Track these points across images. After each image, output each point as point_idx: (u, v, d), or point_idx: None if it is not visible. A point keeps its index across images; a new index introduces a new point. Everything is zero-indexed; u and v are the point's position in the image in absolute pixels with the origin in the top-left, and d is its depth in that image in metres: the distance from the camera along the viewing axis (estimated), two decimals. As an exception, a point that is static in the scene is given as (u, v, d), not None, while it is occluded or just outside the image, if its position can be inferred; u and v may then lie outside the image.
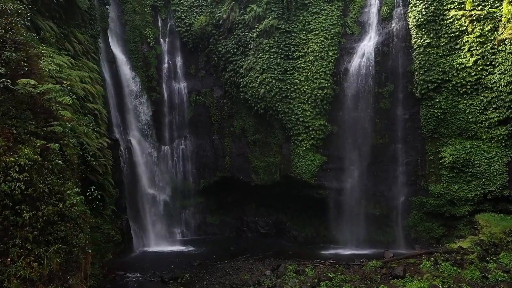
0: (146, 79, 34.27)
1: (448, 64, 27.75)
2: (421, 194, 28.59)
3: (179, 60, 36.77)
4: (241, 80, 33.49)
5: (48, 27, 20.60)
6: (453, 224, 27.45)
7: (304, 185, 31.61)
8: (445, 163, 27.50)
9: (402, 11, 30.04)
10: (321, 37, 31.57)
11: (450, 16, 27.84)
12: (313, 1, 32.37)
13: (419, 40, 28.50)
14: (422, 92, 28.30)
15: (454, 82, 27.58)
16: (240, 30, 33.93)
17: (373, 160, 30.11)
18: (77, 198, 11.48)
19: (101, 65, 28.61)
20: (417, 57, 28.52)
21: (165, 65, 36.21)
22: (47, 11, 21.26)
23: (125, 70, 32.05)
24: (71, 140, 12.46)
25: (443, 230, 27.81)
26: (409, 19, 29.17)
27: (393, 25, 30.17)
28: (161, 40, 36.44)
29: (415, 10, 28.85)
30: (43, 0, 20.68)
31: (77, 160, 13.32)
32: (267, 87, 31.98)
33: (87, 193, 13.76)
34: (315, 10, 32.22)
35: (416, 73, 28.55)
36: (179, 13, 36.34)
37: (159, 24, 36.55)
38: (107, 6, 31.29)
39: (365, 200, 30.51)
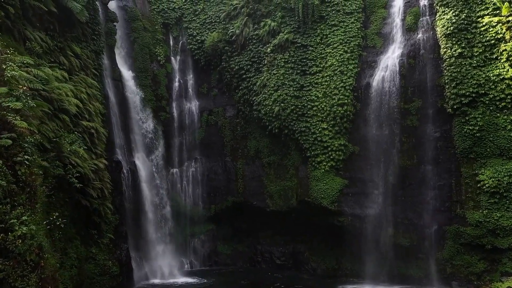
0: (155, 98, 32.57)
1: (483, 75, 24.80)
2: (457, 223, 25.16)
3: (190, 79, 35.12)
4: (254, 98, 31.40)
5: (39, 38, 19.04)
6: (496, 257, 23.78)
7: (323, 211, 28.76)
8: (484, 187, 24.14)
9: (429, 20, 27.54)
10: (340, 51, 29.33)
11: (484, 23, 25.07)
12: (331, 14, 30.37)
13: (449, 51, 25.80)
14: (455, 107, 25.34)
15: (491, 96, 24.53)
16: (254, 46, 32.08)
17: (400, 183, 27.06)
18: (24, 228, 9.16)
19: (104, 82, 27.09)
20: (447, 69, 25.76)
21: (176, 84, 34.59)
22: (39, 22, 19.78)
23: (132, 88, 30.47)
24: (27, 157, 10.26)
25: (485, 265, 24.14)
26: (437, 28, 26.61)
27: (419, 35, 27.63)
28: (172, 58, 34.98)
29: (443, 18, 26.26)
30: (34, 10, 19.20)
31: (39, 182, 11.08)
32: (282, 104, 29.69)
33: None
34: (333, 23, 30.15)
35: (447, 86, 25.71)
36: (191, 30, 34.98)
37: (171, 42, 35.22)
38: (115, 23, 30.08)
39: (392, 229, 27.33)
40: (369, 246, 27.61)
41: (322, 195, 28.38)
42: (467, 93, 24.96)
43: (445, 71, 25.94)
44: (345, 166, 28.50)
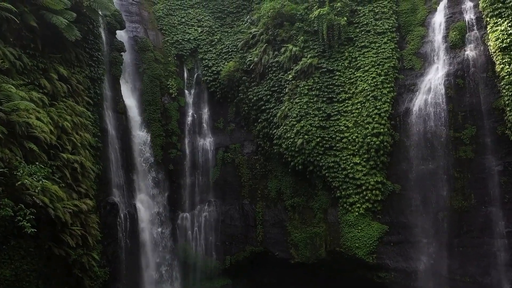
0: (165, 134, 29.28)
1: (555, 93, 20.03)
2: (537, 282, 19.49)
3: (205, 113, 31.83)
4: (274, 131, 27.58)
5: (10, 55, 16.17)
6: None
7: (359, 265, 23.87)
8: None
9: (478, 34, 23.53)
10: (372, 74, 25.54)
11: (549, 32, 20.65)
12: (360, 35, 27.05)
13: (507, 67, 21.41)
14: (521, 133, 20.46)
15: None
16: (274, 74, 28.71)
17: (455, 229, 22.01)
18: None
19: (103, 114, 24.13)
20: (506, 87, 21.31)
21: (189, 118, 31.31)
22: (14, 38, 17.08)
23: (138, 122, 27.39)
24: None
25: None
26: (489, 42, 22.50)
27: (467, 52, 23.53)
28: (186, 91, 31.99)
29: (497, 30, 22.16)
30: (9, 23, 16.55)
31: None
32: (306, 136, 25.64)
33: None
34: (363, 44, 26.71)
35: (508, 108, 21.13)
36: (206, 61, 32.15)
37: (185, 75, 32.38)
38: (122, 53, 27.63)
39: (449, 288, 21.77)
40: (420, 310, 22.16)
41: (356, 244, 23.48)
42: (536, 116, 20.16)
43: (504, 91, 21.40)
44: (384, 209, 23.87)
